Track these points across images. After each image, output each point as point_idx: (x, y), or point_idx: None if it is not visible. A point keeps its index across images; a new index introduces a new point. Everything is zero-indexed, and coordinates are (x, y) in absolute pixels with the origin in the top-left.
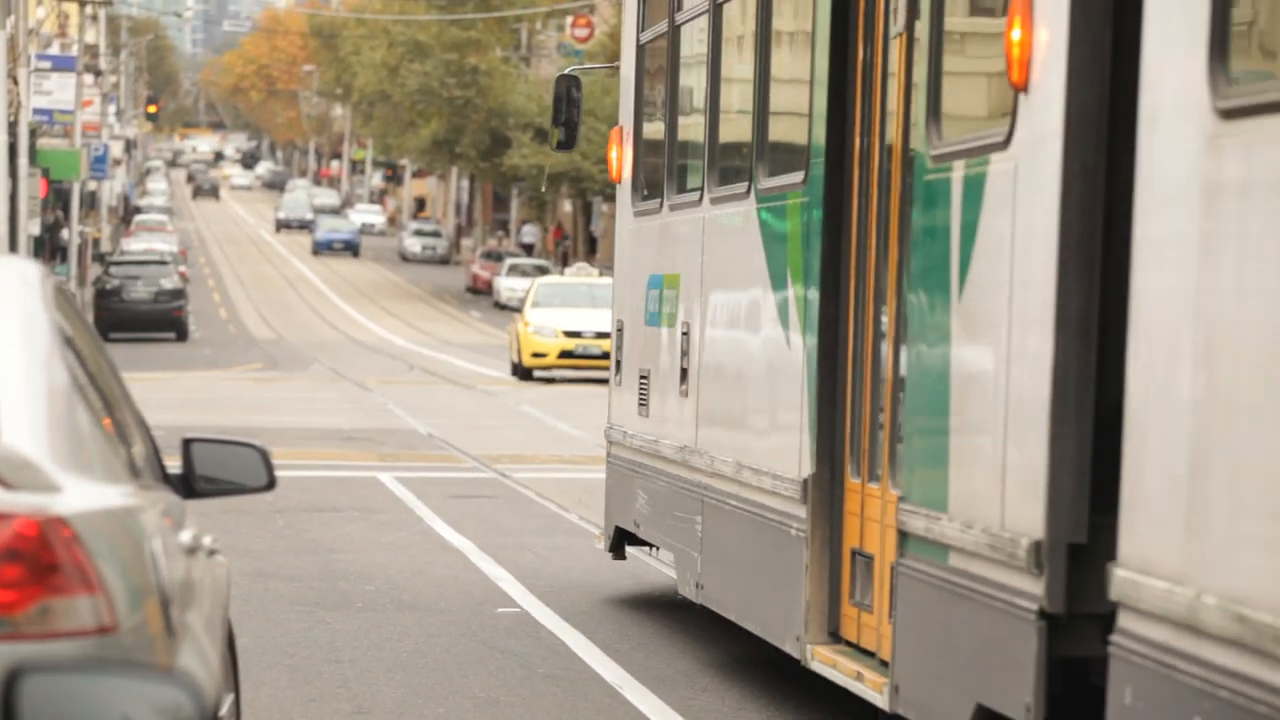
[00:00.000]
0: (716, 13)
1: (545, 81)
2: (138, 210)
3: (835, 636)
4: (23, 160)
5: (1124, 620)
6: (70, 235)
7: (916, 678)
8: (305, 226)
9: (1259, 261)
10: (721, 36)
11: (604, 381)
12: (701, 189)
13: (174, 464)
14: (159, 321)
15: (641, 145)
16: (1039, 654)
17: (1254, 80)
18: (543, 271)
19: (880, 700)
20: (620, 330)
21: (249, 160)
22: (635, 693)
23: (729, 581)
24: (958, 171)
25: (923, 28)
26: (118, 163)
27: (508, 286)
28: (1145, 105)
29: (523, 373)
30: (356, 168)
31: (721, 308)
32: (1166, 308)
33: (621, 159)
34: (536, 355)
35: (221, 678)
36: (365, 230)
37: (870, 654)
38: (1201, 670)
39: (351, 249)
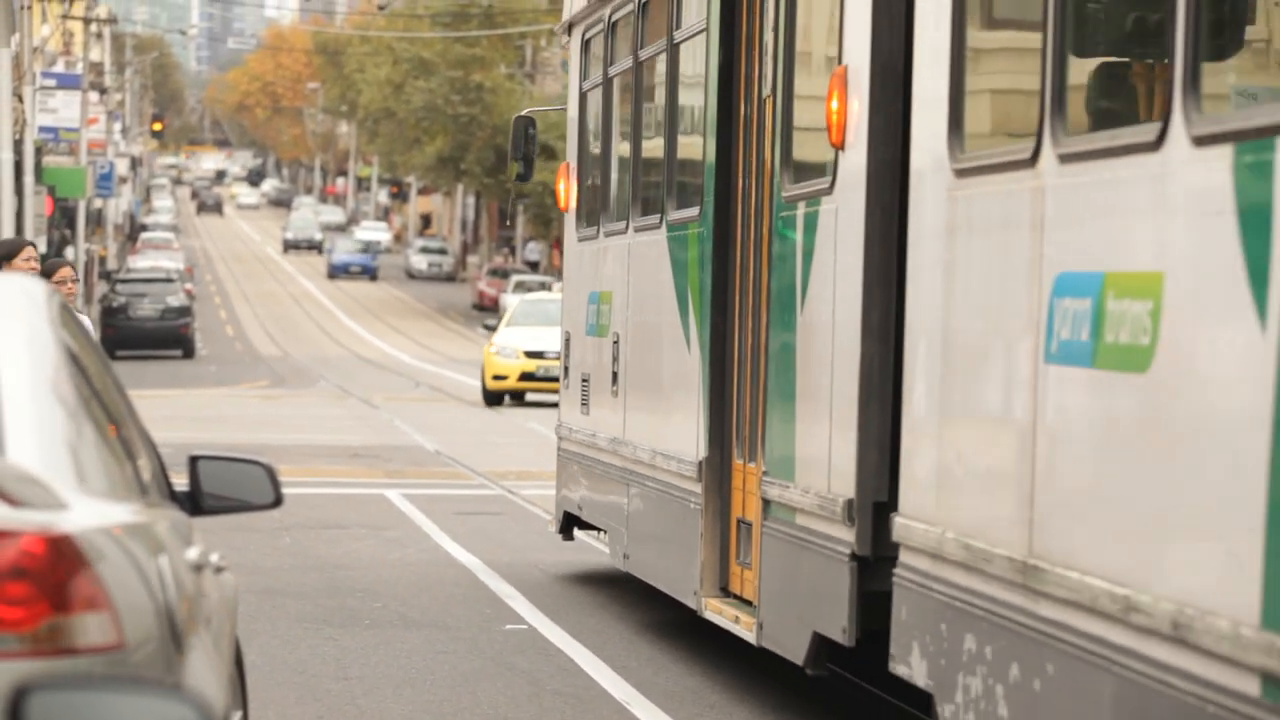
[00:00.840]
0: (638, 69)
1: (550, 98)
2: (144, 228)
3: (725, 591)
4: (28, 178)
5: (902, 556)
6: (76, 253)
7: (775, 616)
8: (314, 247)
9: (977, 280)
10: (641, 90)
11: None
12: (628, 219)
13: (181, 481)
14: (165, 339)
15: (584, 179)
16: (851, 588)
17: (976, 148)
18: (546, 289)
19: (750, 637)
20: (568, 341)
21: (254, 178)
22: (643, 709)
23: (647, 550)
24: (800, 210)
25: (779, 93)
26: (123, 180)
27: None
28: (913, 163)
29: (487, 397)
30: (362, 185)
31: (642, 320)
32: (926, 316)
33: (568, 191)
34: (497, 378)
35: (229, 695)
36: (370, 248)
37: (749, 603)
38: (946, 588)
39: (369, 274)
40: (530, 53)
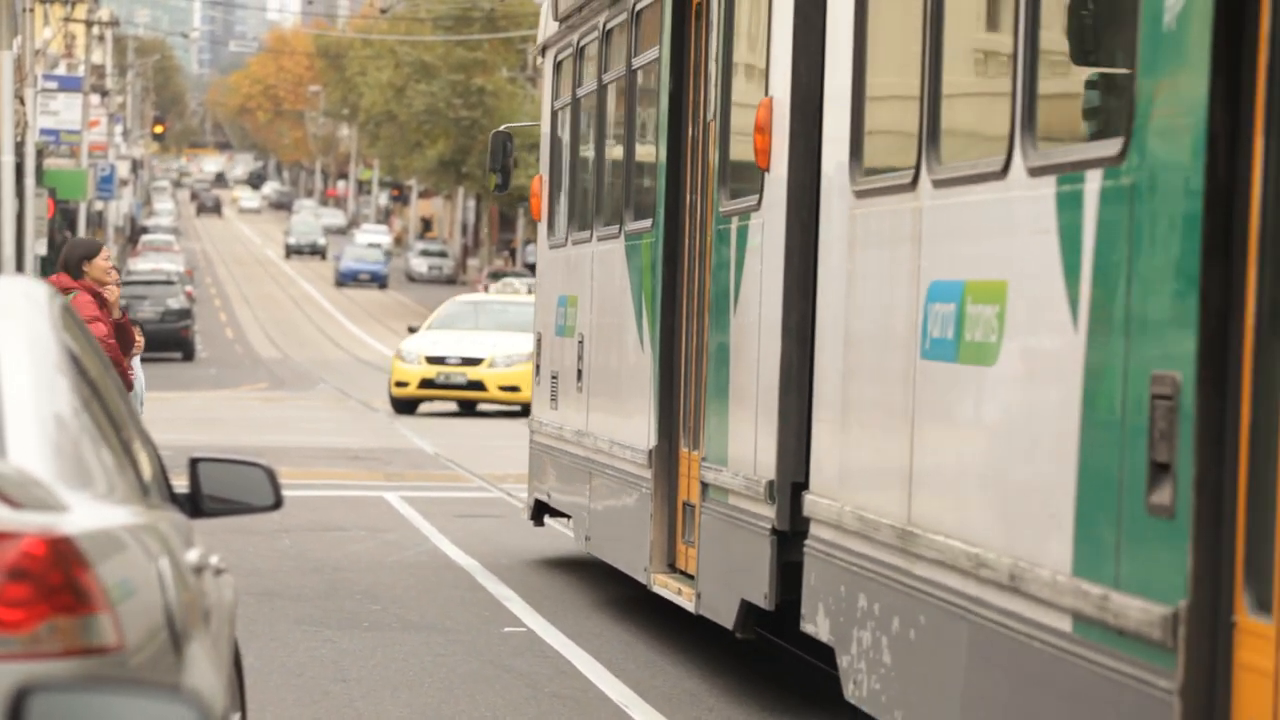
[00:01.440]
0: (602, 91)
1: None
2: (144, 230)
3: (672, 567)
4: (29, 180)
5: (812, 529)
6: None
7: (710, 587)
8: (318, 252)
9: (871, 287)
10: (605, 110)
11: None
12: (592, 228)
13: (181, 483)
14: (166, 341)
15: (555, 191)
16: (772, 559)
17: (870, 174)
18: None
19: (690, 606)
20: (539, 341)
21: (255, 180)
22: (641, 712)
23: (605, 532)
24: (734, 224)
25: (718, 119)
26: (124, 183)
27: None
28: (824, 185)
29: (395, 405)
30: (363, 188)
31: (603, 322)
32: (832, 319)
33: (540, 202)
34: (400, 385)
35: (228, 697)
36: (378, 249)
37: (692, 576)
38: (846, 556)
39: (379, 281)
40: (532, 56)
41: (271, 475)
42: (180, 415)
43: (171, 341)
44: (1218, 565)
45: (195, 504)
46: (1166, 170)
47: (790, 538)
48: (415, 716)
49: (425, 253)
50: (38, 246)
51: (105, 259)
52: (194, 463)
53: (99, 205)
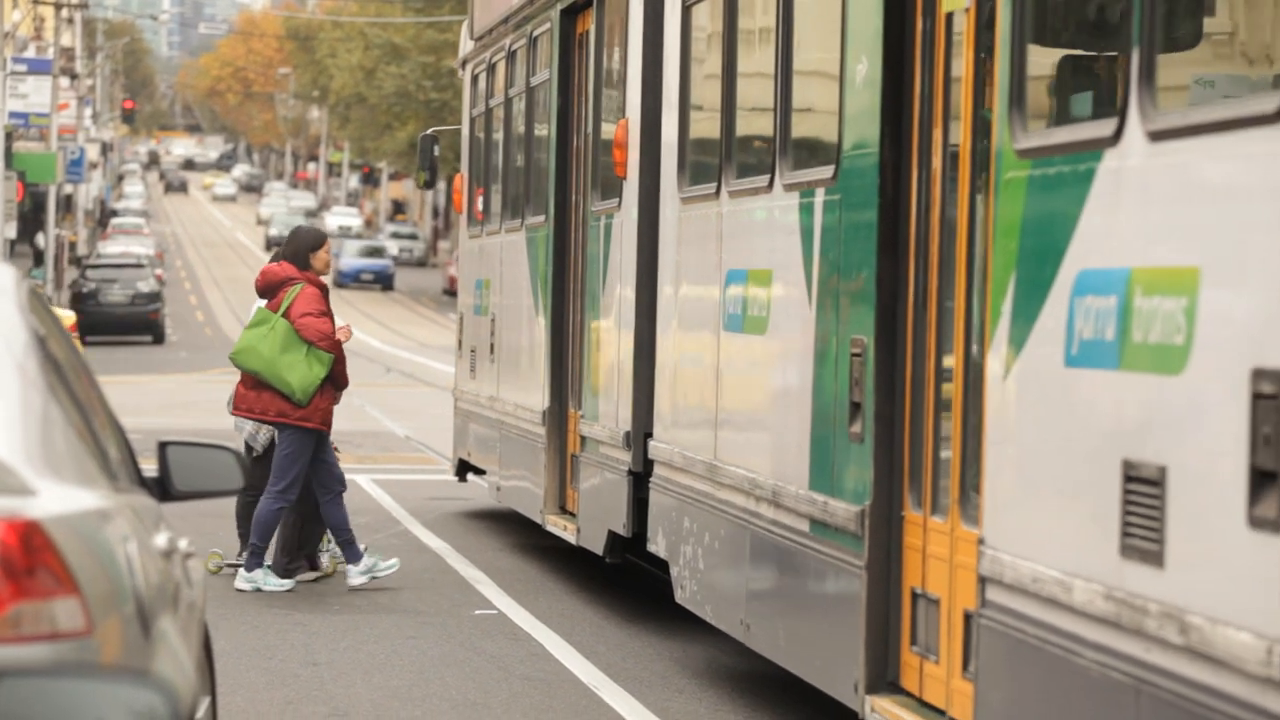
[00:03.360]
0: (508, 103)
1: None
2: (114, 213)
3: (563, 509)
4: None
5: (655, 469)
6: (47, 239)
7: (586, 522)
8: None
9: (691, 275)
10: (511, 120)
11: None
12: (500, 221)
13: (150, 467)
14: (135, 324)
15: (473, 188)
16: (629, 495)
17: (694, 183)
18: None
19: (573, 539)
20: (461, 319)
21: (225, 163)
22: (612, 694)
23: (511, 483)
24: (602, 220)
25: (592, 133)
26: (94, 166)
27: None
28: (663, 191)
29: None
30: (333, 170)
31: (510, 302)
32: (668, 301)
33: (461, 197)
34: None
35: (198, 681)
36: (343, 233)
37: (571, 514)
38: (676, 488)
39: (384, 281)
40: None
41: (240, 459)
42: (150, 399)
43: (141, 325)
44: (891, 476)
45: (164, 488)
46: (856, 190)
47: (643, 478)
48: (386, 699)
49: (396, 235)
50: (7, 230)
51: (327, 250)
52: (163, 446)
53: (68, 188)
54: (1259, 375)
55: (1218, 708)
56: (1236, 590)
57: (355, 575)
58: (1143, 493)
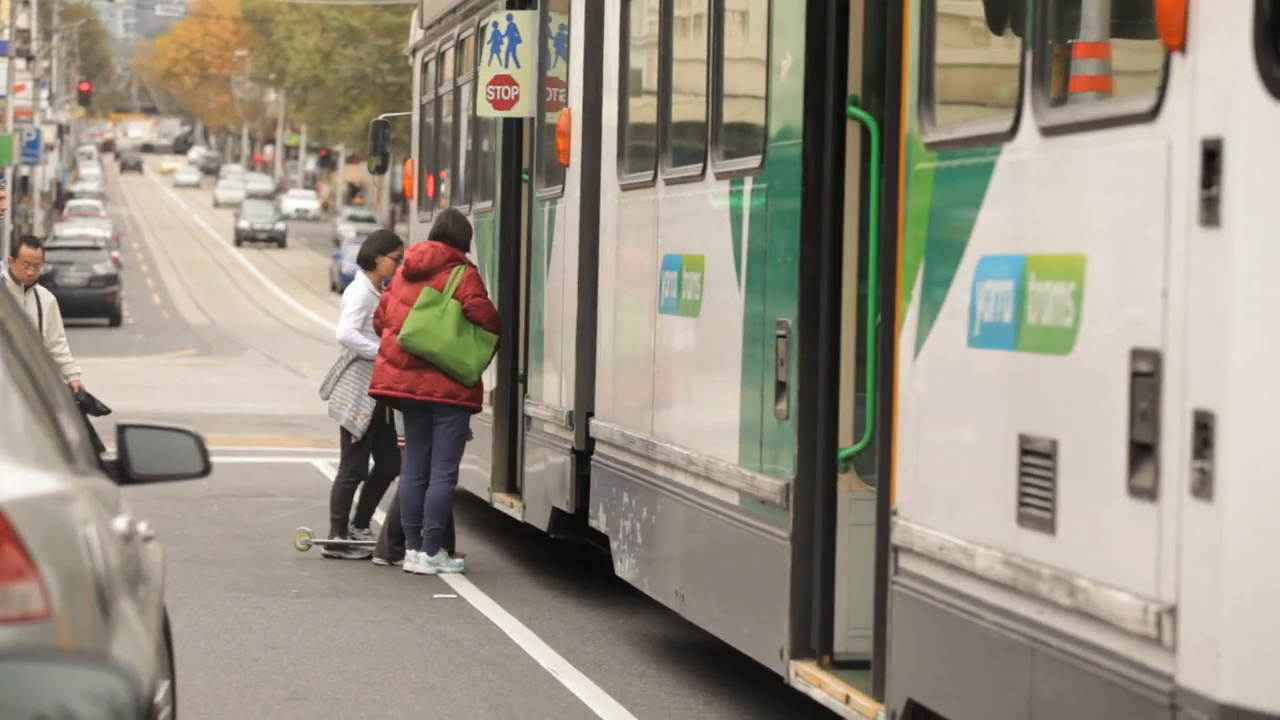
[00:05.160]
0: (456, 91)
1: None
2: (70, 196)
3: (510, 487)
4: None
5: (597, 448)
6: (2, 221)
7: (531, 499)
8: (275, 239)
9: (629, 258)
10: (459, 107)
11: None
12: (449, 205)
13: (109, 450)
14: (92, 307)
15: (423, 173)
16: (571, 472)
17: (630, 173)
18: None
19: (519, 515)
20: None
21: (182, 145)
22: (572, 678)
23: (461, 463)
24: (546, 205)
25: (538, 121)
26: (50, 148)
27: None
28: (603, 179)
29: None
30: (290, 153)
31: None
32: (608, 283)
33: (412, 182)
34: None
35: (157, 664)
36: (300, 216)
37: (519, 492)
38: (616, 465)
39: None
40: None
41: (199, 442)
42: (107, 382)
43: (98, 307)
44: (814, 450)
45: (123, 471)
46: (781, 179)
47: (585, 456)
48: (345, 683)
49: (353, 218)
50: None
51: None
52: (121, 430)
53: (24, 170)
54: (1137, 355)
55: (1103, 664)
56: (1118, 554)
57: (424, 564)
58: (1036, 465)
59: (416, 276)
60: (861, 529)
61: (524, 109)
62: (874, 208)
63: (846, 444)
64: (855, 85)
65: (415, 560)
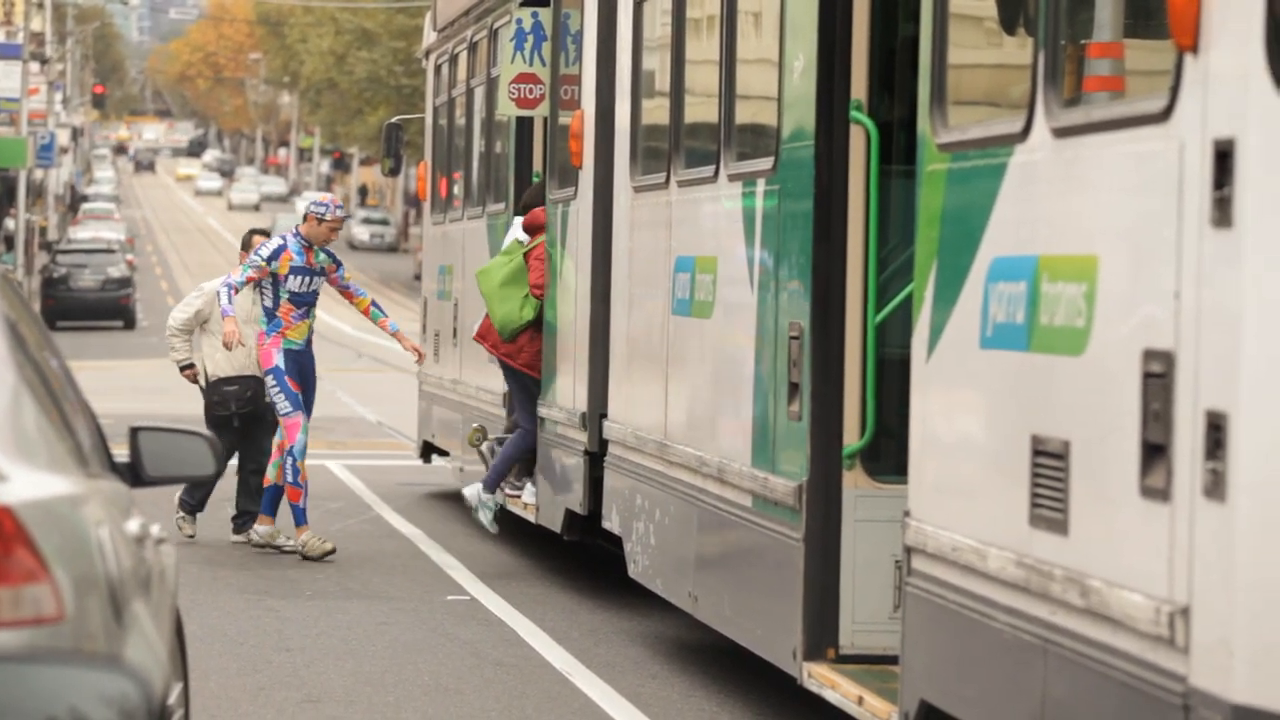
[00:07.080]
0: (470, 93)
1: None
2: (84, 199)
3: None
4: None
5: (609, 449)
6: (17, 224)
7: (544, 501)
8: None
9: (643, 260)
10: (473, 109)
11: None
12: (463, 208)
13: (121, 452)
14: (106, 310)
15: (436, 175)
16: (585, 473)
17: (643, 175)
18: None
19: (532, 518)
20: (425, 304)
21: (195, 148)
22: (585, 679)
23: (474, 465)
24: (560, 209)
25: (552, 123)
26: (64, 151)
27: None
28: (616, 181)
29: None
30: (304, 155)
31: (471, 287)
32: (622, 285)
33: (425, 184)
34: None
35: (170, 667)
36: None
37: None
38: (631, 466)
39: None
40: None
41: (212, 444)
42: (122, 384)
43: (113, 310)
44: (827, 452)
45: (136, 473)
46: (794, 180)
47: (599, 457)
48: (359, 685)
49: (368, 220)
50: None
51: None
52: (134, 432)
53: (39, 173)
54: (1149, 355)
55: (1115, 665)
56: (1130, 555)
57: (481, 498)
58: (1049, 466)
59: (526, 231)
60: (867, 525)
61: (548, 108)
62: (873, 211)
63: (851, 441)
64: (859, 89)
65: (473, 488)
